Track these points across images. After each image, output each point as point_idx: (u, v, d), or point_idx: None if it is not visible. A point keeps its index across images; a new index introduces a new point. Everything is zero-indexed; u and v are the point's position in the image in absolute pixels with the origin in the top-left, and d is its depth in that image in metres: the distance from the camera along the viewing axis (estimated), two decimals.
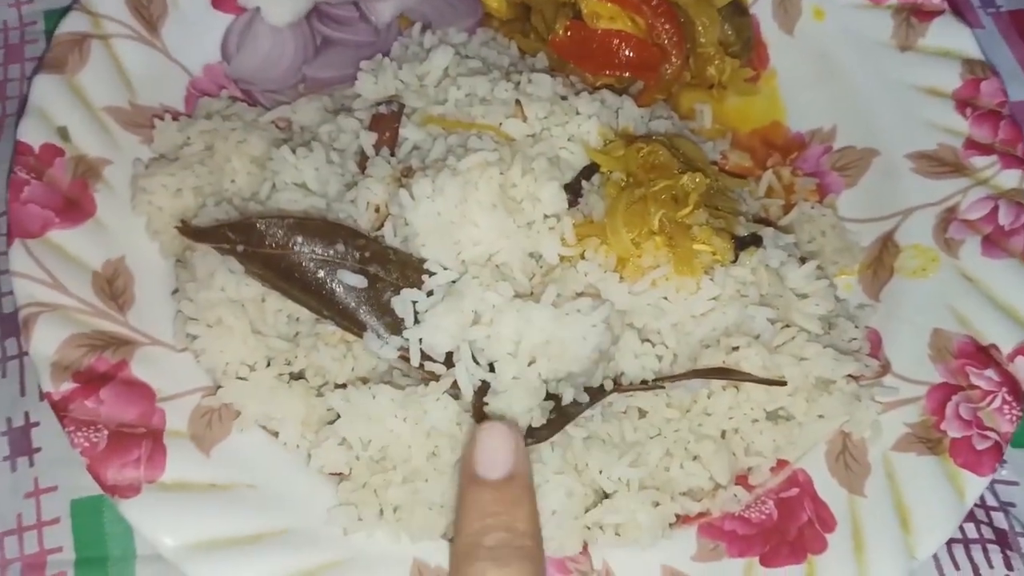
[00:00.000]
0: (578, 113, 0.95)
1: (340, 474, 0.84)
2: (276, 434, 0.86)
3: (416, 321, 0.81)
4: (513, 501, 0.68)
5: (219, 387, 0.86)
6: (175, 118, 0.99)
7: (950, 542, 0.91)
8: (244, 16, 1.08)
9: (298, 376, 0.88)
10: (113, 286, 0.88)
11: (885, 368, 0.96)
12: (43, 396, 0.82)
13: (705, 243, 0.86)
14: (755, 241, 0.89)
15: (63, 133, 0.93)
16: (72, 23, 0.99)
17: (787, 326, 0.91)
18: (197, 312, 0.84)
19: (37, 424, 0.89)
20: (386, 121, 0.92)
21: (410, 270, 0.83)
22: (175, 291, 0.89)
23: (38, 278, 0.85)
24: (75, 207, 0.90)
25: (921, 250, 1.02)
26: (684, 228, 0.86)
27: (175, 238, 0.91)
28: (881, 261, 1.04)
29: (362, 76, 0.99)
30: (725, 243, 0.87)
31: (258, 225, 0.80)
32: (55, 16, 1.11)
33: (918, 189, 1.05)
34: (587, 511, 0.84)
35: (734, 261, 0.87)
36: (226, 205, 0.89)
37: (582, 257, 0.87)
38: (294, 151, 0.92)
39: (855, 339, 0.97)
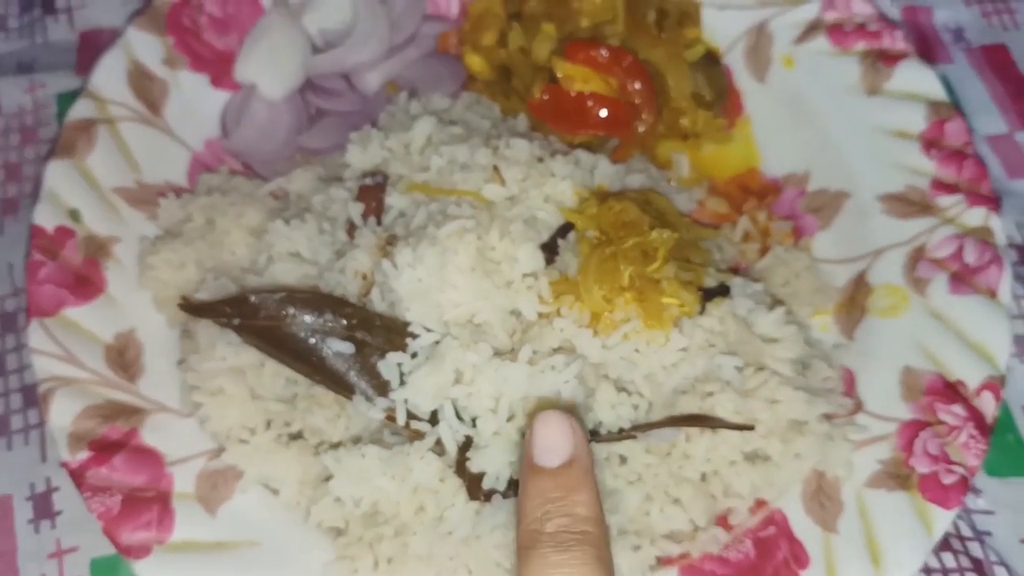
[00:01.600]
0: (553, 175, 1.00)
1: (337, 529, 0.89)
2: (277, 492, 0.92)
3: (401, 383, 0.86)
4: (573, 487, 0.68)
5: (223, 450, 0.92)
6: (178, 195, 1.06)
7: (929, 572, 0.94)
8: (241, 92, 1.15)
9: (296, 436, 0.93)
10: (124, 357, 0.95)
11: (858, 406, 0.99)
12: (62, 464, 0.88)
13: (673, 296, 0.91)
14: (722, 291, 0.94)
15: (75, 215, 1.00)
16: (81, 110, 1.07)
17: (760, 369, 0.95)
18: (200, 381, 0.90)
19: (57, 489, 0.95)
20: (372, 192, 0.98)
21: (395, 334, 0.89)
22: (180, 361, 0.95)
23: (54, 354, 0.92)
24: (87, 284, 0.97)
25: (892, 289, 1.06)
26: (653, 283, 0.91)
27: (180, 309, 0.97)
28: (854, 301, 1.08)
29: (351, 147, 1.05)
30: (692, 295, 0.91)
31: (251, 299, 0.86)
32: (67, 99, 1.19)
33: (888, 229, 1.10)
34: None
35: (701, 312, 0.91)
36: (225, 279, 0.95)
37: (559, 313, 0.92)
38: (288, 222, 0.99)
39: (829, 378, 1.01)
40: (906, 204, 1.10)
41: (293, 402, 0.94)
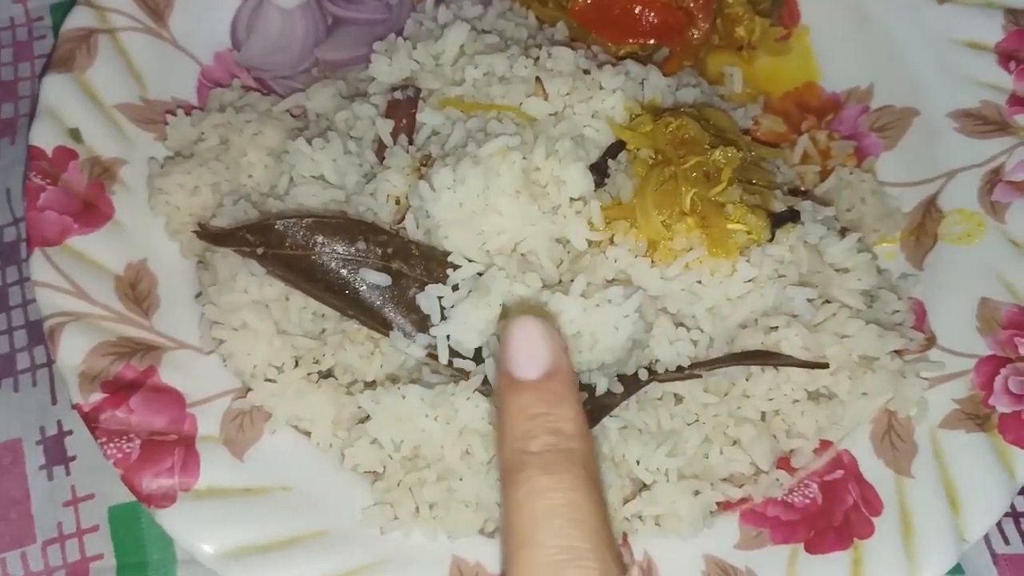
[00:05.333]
0: (602, 88, 0.91)
1: (374, 473, 0.83)
2: (308, 434, 0.86)
3: (443, 317, 0.79)
4: (556, 401, 0.62)
5: (248, 389, 0.85)
6: (188, 112, 0.97)
7: (1016, 516, 0.89)
8: (251, 0, 1.05)
9: (327, 374, 0.86)
10: (136, 290, 0.87)
11: (931, 341, 0.92)
12: (74, 406, 0.81)
13: (740, 222, 0.82)
14: (792, 216, 0.85)
15: (75, 135, 0.91)
16: (78, 18, 0.96)
17: (827, 302, 0.88)
18: (221, 316, 0.82)
19: (70, 432, 0.89)
20: (402, 107, 0.89)
21: (434, 264, 0.81)
22: (198, 294, 0.87)
23: (61, 287, 0.84)
24: (93, 210, 0.89)
25: (966, 215, 0.98)
26: (717, 207, 0.83)
27: (195, 238, 0.89)
28: (924, 227, 1.00)
29: (376, 59, 0.95)
30: (761, 221, 0.83)
31: (277, 226, 0.78)
32: (61, 10, 1.09)
33: (961, 150, 1.01)
34: (626, 502, 0.82)
35: (771, 239, 0.83)
36: (244, 203, 0.87)
37: (611, 242, 0.84)
38: (310, 142, 0.90)
39: (898, 311, 0.93)
40: (981, 122, 1.01)
41: (322, 338, 0.86)
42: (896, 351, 0.88)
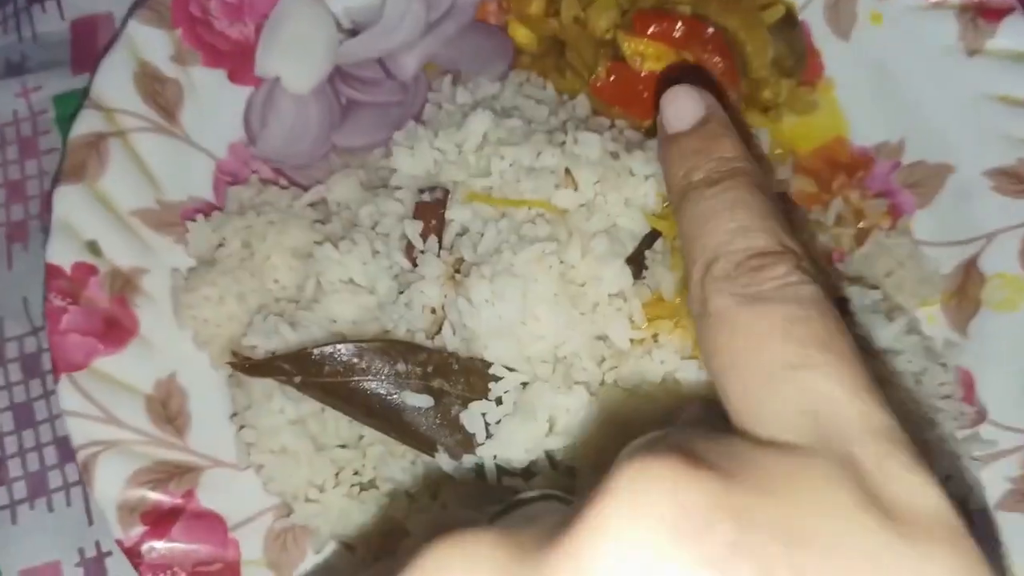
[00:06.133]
0: (633, 174, 0.88)
1: None
2: (352, 548, 0.83)
3: (488, 434, 0.77)
4: (712, 136, 0.64)
5: (287, 506, 0.83)
6: (206, 215, 0.94)
7: None
8: (264, 88, 1.02)
9: (368, 485, 0.84)
10: (168, 408, 0.85)
11: (981, 415, 0.90)
12: (116, 541, 0.79)
13: None
14: (841, 307, 0.83)
15: (93, 247, 0.88)
16: (86, 123, 0.93)
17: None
18: (259, 439, 0.80)
19: (109, 554, 0.87)
20: (431, 209, 0.86)
21: (475, 377, 0.78)
22: (234, 415, 0.85)
23: (91, 415, 0.81)
24: (117, 327, 0.86)
25: (1008, 279, 0.96)
26: None
27: (225, 347, 0.87)
28: (965, 291, 0.98)
29: (397, 151, 0.92)
30: None
31: (313, 355, 0.75)
32: (65, 101, 1.06)
33: (999, 210, 0.98)
34: None
35: None
36: (274, 319, 0.84)
37: (655, 340, 0.82)
38: (337, 245, 0.87)
39: (946, 383, 0.91)
40: (1017, 180, 0.98)
41: (361, 446, 0.84)
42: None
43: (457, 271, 0.83)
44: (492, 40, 1.09)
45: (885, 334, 0.86)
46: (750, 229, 0.54)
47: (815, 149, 1.08)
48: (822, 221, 1.03)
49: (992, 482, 0.86)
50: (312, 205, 0.96)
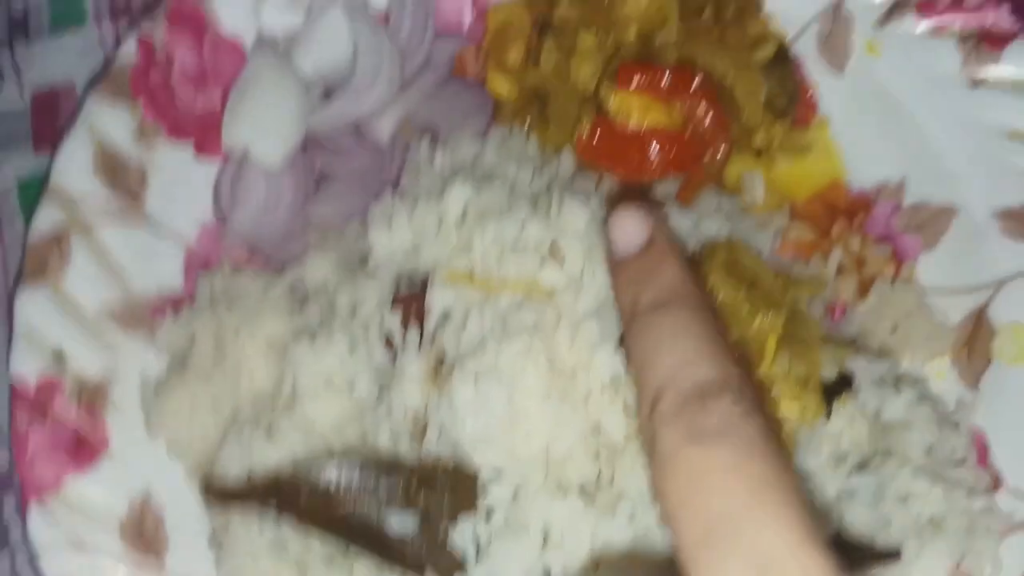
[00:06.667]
0: None
1: None
2: None
3: (479, 552, 0.73)
4: (655, 264, 0.66)
5: None
6: (176, 308, 0.89)
7: None
8: (232, 162, 0.97)
9: None
10: (144, 530, 0.81)
11: (996, 481, 0.86)
12: None
13: (793, 402, 0.76)
14: (846, 383, 0.79)
15: (59, 357, 0.84)
16: (47, 217, 0.88)
17: (887, 456, 0.81)
18: (241, 568, 0.76)
19: None
20: (410, 300, 0.81)
21: (462, 488, 0.74)
22: (212, 538, 0.81)
23: (63, 543, 0.78)
24: (86, 445, 0.82)
25: (1020, 331, 0.91)
26: (764, 391, 0.76)
27: (200, 458, 0.83)
28: (975, 343, 0.93)
29: (373, 230, 0.88)
30: (814, 399, 0.76)
31: (289, 479, 0.71)
32: (28, 189, 1.02)
33: (1010, 254, 0.93)
34: None
35: (827, 418, 0.77)
36: (250, 429, 0.80)
37: None
38: (313, 339, 0.83)
39: (958, 447, 0.87)
40: None
41: (348, 556, 0.80)
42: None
43: (441, 363, 0.78)
44: (471, 94, 1.04)
45: (894, 407, 0.81)
46: (693, 360, 0.56)
47: (812, 193, 1.03)
48: (822, 272, 0.98)
49: (1012, 557, 0.82)
50: (291, 289, 0.92)
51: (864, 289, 0.98)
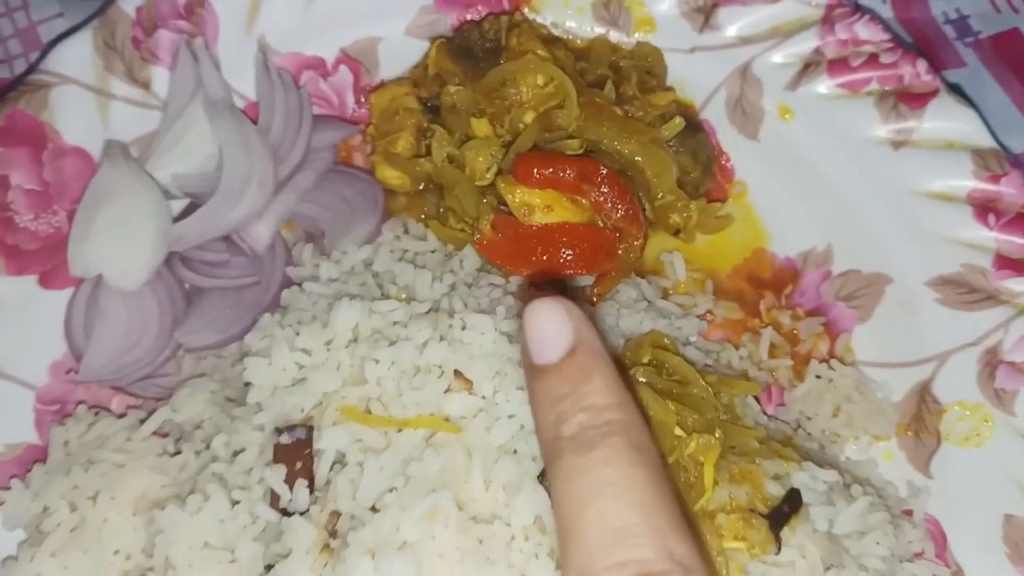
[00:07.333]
0: None
1: None
2: None
3: None
4: (582, 376, 0.56)
5: None
6: (28, 469, 0.76)
7: None
8: (84, 289, 0.84)
9: None
10: None
11: (956, 574, 0.80)
12: None
13: (738, 537, 0.67)
14: (793, 506, 0.70)
15: None
16: None
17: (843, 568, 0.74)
18: None
19: None
20: (293, 451, 0.70)
21: None
22: None
23: None
24: None
25: (969, 408, 0.85)
26: (706, 521, 0.68)
27: None
28: (923, 422, 0.87)
29: (251, 362, 0.76)
30: (761, 531, 0.68)
31: None
32: None
33: (948, 326, 0.87)
34: None
35: (777, 550, 0.68)
36: None
37: None
38: (184, 502, 0.71)
39: (913, 541, 0.80)
40: (965, 290, 0.88)
41: None
42: None
43: (333, 535, 0.68)
44: (358, 186, 0.93)
45: (847, 519, 0.73)
46: (632, 532, 0.49)
47: (735, 266, 0.96)
48: (754, 354, 0.91)
49: None
50: (160, 434, 0.80)
51: (799, 371, 0.91)
